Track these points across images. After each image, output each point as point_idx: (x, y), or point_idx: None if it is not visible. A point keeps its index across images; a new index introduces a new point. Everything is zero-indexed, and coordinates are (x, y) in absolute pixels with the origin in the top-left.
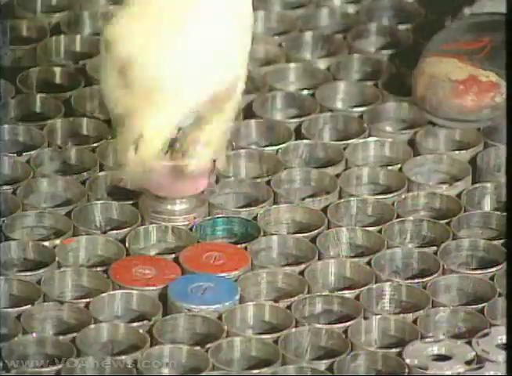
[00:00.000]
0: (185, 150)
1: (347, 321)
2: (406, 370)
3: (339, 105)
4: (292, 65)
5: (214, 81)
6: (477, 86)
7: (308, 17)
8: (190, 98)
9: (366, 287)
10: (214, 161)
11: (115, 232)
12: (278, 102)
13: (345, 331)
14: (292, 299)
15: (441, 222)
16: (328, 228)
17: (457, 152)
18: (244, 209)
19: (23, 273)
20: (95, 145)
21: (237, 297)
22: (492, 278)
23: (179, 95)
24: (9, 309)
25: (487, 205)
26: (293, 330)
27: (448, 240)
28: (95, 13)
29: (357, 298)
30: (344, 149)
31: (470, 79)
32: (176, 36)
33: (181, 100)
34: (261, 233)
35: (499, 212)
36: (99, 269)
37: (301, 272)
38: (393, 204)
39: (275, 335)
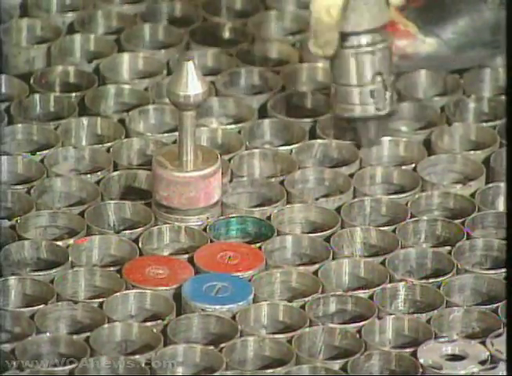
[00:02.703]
0: None
1: (361, 321)
2: (420, 370)
3: None
4: (305, 65)
5: None
6: (392, 31)
7: None
8: None
9: (380, 287)
10: (229, 161)
11: (128, 232)
12: (292, 102)
13: (359, 331)
14: (306, 299)
15: (456, 221)
16: (342, 228)
17: (472, 152)
18: (258, 209)
19: (36, 273)
20: (109, 144)
21: (251, 296)
22: (506, 278)
23: None
24: (23, 309)
25: (501, 205)
26: (307, 329)
27: (463, 239)
28: (109, 13)
29: (371, 297)
30: (359, 148)
31: (388, 23)
32: None
33: None
34: (275, 233)
35: None
36: (111, 268)
37: (315, 272)
38: (406, 204)
39: (289, 335)
